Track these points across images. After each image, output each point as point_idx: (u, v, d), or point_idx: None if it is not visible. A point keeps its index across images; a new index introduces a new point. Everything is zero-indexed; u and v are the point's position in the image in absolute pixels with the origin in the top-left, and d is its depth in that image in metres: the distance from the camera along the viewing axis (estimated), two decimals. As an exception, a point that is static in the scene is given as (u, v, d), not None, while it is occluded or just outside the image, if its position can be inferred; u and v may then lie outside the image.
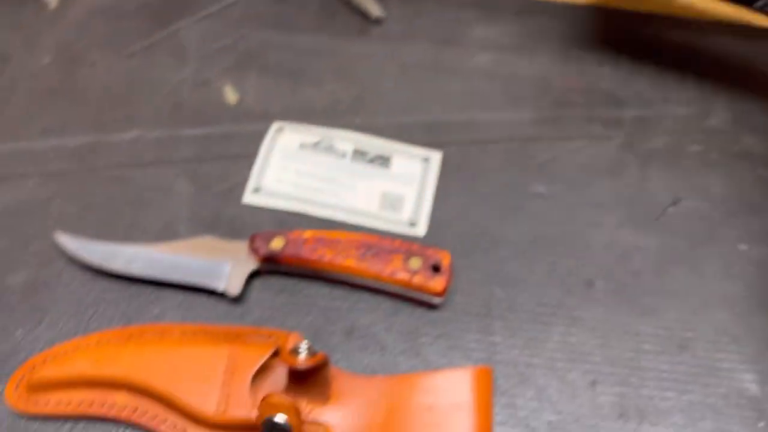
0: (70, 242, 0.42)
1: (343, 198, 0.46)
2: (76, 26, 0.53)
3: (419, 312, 0.42)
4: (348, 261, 0.41)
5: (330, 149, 0.48)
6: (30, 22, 0.53)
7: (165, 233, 0.44)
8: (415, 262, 0.41)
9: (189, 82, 0.51)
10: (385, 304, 0.42)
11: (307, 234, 0.42)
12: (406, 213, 0.46)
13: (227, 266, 0.41)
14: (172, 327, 0.40)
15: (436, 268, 0.41)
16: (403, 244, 0.42)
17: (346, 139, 0.49)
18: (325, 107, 0.51)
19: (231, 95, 0.51)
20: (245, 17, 0.55)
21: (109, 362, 0.37)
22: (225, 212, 0.45)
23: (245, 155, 0.48)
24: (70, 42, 0.52)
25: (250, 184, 0.46)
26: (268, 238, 0.42)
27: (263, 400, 0.33)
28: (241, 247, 0.42)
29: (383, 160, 0.48)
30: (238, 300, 0.41)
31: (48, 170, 0.46)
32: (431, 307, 0.42)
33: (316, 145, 0.48)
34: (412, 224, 0.45)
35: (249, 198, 0.46)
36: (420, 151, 0.49)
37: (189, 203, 0.45)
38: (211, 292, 0.41)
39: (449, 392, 0.37)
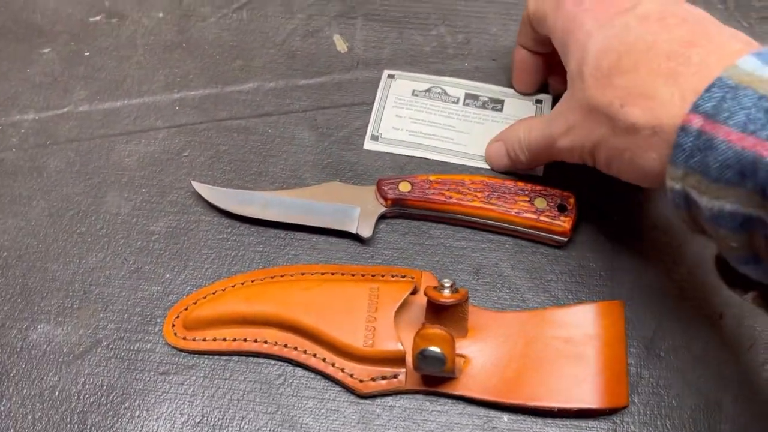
0: (205, 190, 0.44)
1: (459, 142, 0.47)
2: (183, -19, 0.55)
3: (543, 250, 0.43)
4: (474, 202, 0.42)
5: (442, 95, 0.49)
6: (140, -21, 0.55)
7: (292, 180, 0.46)
8: (541, 202, 0.42)
9: (299, 33, 0.52)
10: (510, 243, 0.44)
11: (433, 177, 0.43)
12: None
13: (357, 210, 0.43)
14: (311, 267, 0.42)
15: (561, 208, 0.42)
16: (527, 185, 0.43)
17: (457, 85, 0.49)
18: (434, 52, 0.51)
19: (340, 44, 0.51)
20: (347, -35, 0.55)
21: (258, 300, 0.40)
22: (347, 158, 0.47)
23: (360, 103, 0.49)
24: (180, -3, 0.54)
25: (369, 131, 0.47)
26: (396, 182, 0.43)
27: (418, 332, 0.35)
28: (369, 191, 0.44)
29: (496, 103, 0.48)
30: (367, 242, 0.43)
31: (175, 122, 0.48)
32: (555, 245, 0.43)
33: (428, 92, 0.49)
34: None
35: (368, 145, 0.47)
36: (532, 95, 0.49)
37: (312, 150, 0.47)
38: (342, 235, 0.43)
39: (584, 325, 0.38)
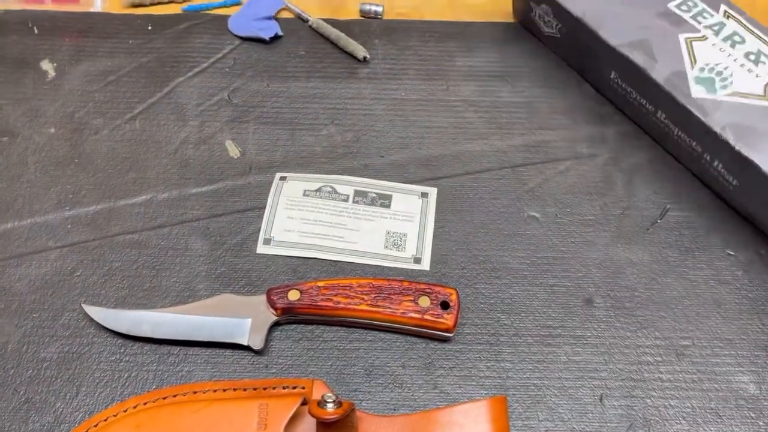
0: (97, 312, 0.44)
1: (349, 240, 0.49)
2: (75, 94, 0.55)
3: (432, 346, 0.45)
4: (361, 305, 0.44)
5: (332, 194, 0.51)
6: (31, 94, 0.55)
7: (185, 293, 0.46)
8: (424, 301, 0.44)
9: (192, 140, 0.53)
10: (400, 341, 0.45)
11: (321, 283, 0.45)
12: (410, 250, 0.48)
13: (248, 322, 0.44)
14: (202, 384, 0.42)
15: (445, 305, 0.44)
16: (411, 284, 0.45)
17: (347, 183, 0.51)
18: (324, 152, 0.53)
19: (233, 149, 0.53)
20: (236, 69, 0.57)
21: (149, 427, 0.40)
22: (240, 266, 0.48)
23: (253, 207, 0.50)
24: (72, 110, 0.55)
25: (261, 236, 0.49)
26: (285, 291, 0.44)
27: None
28: (259, 301, 0.45)
29: (384, 199, 0.50)
30: (261, 352, 0.44)
31: (68, 241, 0.48)
32: (443, 340, 0.45)
33: (318, 191, 0.51)
34: (417, 260, 0.48)
35: (261, 249, 0.48)
36: (417, 188, 0.51)
37: (205, 260, 0.48)
38: (236, 347, 0.44)
39: (469, 425, 0.40)
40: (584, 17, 0.53)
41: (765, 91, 0.49)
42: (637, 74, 0.51)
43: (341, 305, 0.44)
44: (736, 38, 0.51)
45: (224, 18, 0.60)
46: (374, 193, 0.51)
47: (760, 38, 0.51)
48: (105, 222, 0.49)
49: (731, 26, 0.52)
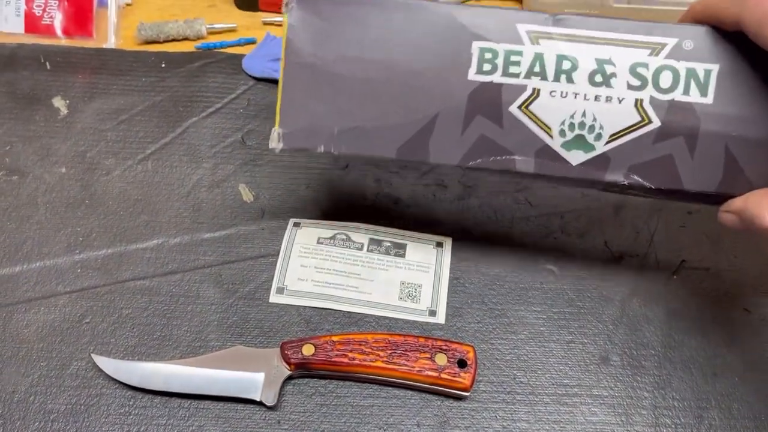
0: (107, 364, 0.43)
1: (364, 291, 0.48)
2: (87, 132, 0.55)
3: (447, 403, 0.44)
4: (377, 362, 0.43)
5: (347, 242, 0.50)
6: (43, 131, 0.55)
7: (196, 343, 0.46)
8: (441, 358, 0.43)
9: (205, 183, 0.53)
10: (415, 398, 0.44)
11: (335, 338, 0.44)
12: (425, 301, 0.48)
13: (261, 377, 0.43)
14: (214, 442, 0.41)
15: (462, 363, 0.43)
16: (427, 341, 0.44)
17: (361, 230, 0.50)
18: (339, 198, 0.52)
19: (246, 193, 0.52)
20: (251, 110, 0.57)
21: (160, 487, 0.39)
22: (252, 315, 0.47)
23: (266, 255, 0.50)
24: (84, 150, 0.54)
25: (274, 284, 0.48)
26: (299, 346, 0.43)
27: None
28: (273, 354, 0.44)
29: (399, 249, 0.50)
30: (273, 407, 0.43)
31: (77, 286, 0.48)
32: (459, 397, 0.44)
33: (332, 239, 0.50)
34: (432, 312, 0.47)
35: (274, 298, 0.48)
36: (433, 237, 0.51)
37: (216, 309, 0.47)
38: (248, 401, 0.43)
39: (486, 491, 0.39)
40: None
41: (640, 113, 0.40)
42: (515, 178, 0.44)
43: (356, 361, 0.43)
44: (565, 65, 0.40)
45: (238, 57, 0.59)
46: (389, 242, 0.50)
47: (588, 41, 0.40)
48: (115, 267, 0.49)
49: (547, 52, 0.40)
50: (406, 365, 0.43)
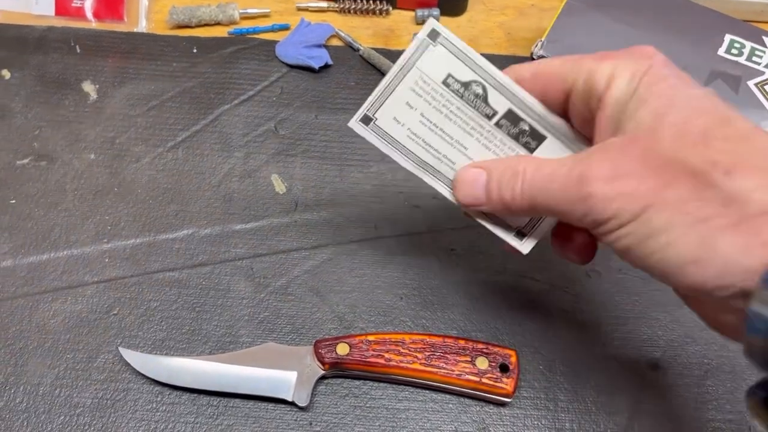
0: (135, 358, 0.42)
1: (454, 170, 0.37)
2: (117, 118, 0.53)
3: (487, 409, 0.42)
4: (414, 364, 0.41)
5: (479, 99, 0.37)
6: (72, 116, 0.53)
7: (226, 338, 0.44)
8: (482, 362, 0.41)
9: (236, 173, 0.51)
10: (453, 402, 0.42)
11: (371, 337, 0.42)
12: (521, 219, 0.38)
13: (293, 376, 0.41)
14: (244, 443, 0.40)
15: (503, 368, 0.41)
16: (468, 343, 0.42)
17: (506, 94, 0.36)
18: (374, 190, 0.51)
19: (279, 184, 0.51)
20: (284, 98, 0.55)
21: (188, 488, 0.37)
22: (284, 311, 0.45)
23: (298, 248, 0.48)
24: (113, 136, 0.52)
25: (362, 109, 0.38)
26: (333, 344, 0.42)
27: None
28: (306, 352, 0.42)
29: (533, 138, 0.37)
30: (305, 407, 0.41)
31: (105, 276, 0.46)
32: (499, 403, 0.42)
33: (465, 87, 0.36)
34: (520, 235, 0.38)
35: (355, 125, 0.38)
36: (577, 145, 0.37)
37: (248, 303, 0.45)
38: (279, 400, 0.41)
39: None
40: None
41: None
42: None
43: (392, 363, 0.41)
44: None
45: (272, 43, 0.57)
46: (529, 125, 0.37)
47: None
48: (144, 257, 0.47)
49: None
50: (445, 368, 0.41)
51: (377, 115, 0.37)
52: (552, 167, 0.33)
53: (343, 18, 0.60)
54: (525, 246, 0.38)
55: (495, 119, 0.36)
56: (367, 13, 0.60)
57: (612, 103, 0.31)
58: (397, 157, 0.38)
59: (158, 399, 0.42)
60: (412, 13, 0.60)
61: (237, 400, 0.42)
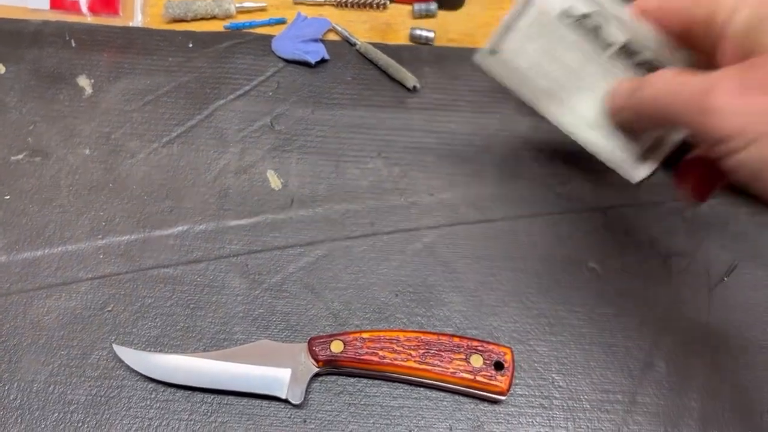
0: (128, 355, 0.42)
1: (574, 103, 0.40)
2: (112, 113, 0.53)
3: (482, 407, 0.42)
4: (409, 362, 0.41)
5: (594, 32, 0.38)
6: (67, 111, 0.53)
7: (220, 335, 0.44)
8: (477, 360, 0.41)
9: (232, 168, 0.51)
10: (447, 400, 0.42)
11: (365, 335, 0.42)
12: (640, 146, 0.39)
13: (287, 373, 0.41)
14: (238, 440, 0.40)
15: (498, 366, 0.41)
16: (462, 341, 0.42)
17: (623, 27, 0.38)
18: (370, 186, 0.50)
19: (275, 180, 0.50)
20: (280, 93, 0.54)
21: (181, 486, 0.37)
22: (279, 308, 0.45)
23: (294, 245, 0.48)
24: (108, 131, 0.52)
25: (489, 42, 0.40)
26: (327, 342, 0.41)
27: None
28: (300, 349, 0.42)
29: (653, 70, 0.37)
30: (299, 405, 0.41)
31: (99, 272, 0.46)
32: (493, 401, 0.42)
33: (581, 20, 0.38)
34: (641, 157, 0.39)
35: (480, 58, 0.41)
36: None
37: (242, 300, 0.45)
38: (272, 398, 0.41)
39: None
40: None
41: None
42: None
43: (387, 360, 0.41)
44: None
45: (268, 38, 0.57)
46: (648, 57, 0.37)
47: None
48: (138, 253, 0.47)
49: None
50: (439, 366, 0.41)
51: (502, 48, 0.40)
52: (686, 78, 0.32)
53: (340, 12, 0.59)
54: (642, 169, 0.39)
55: (613, 50, 0.38)
56: (364, 7, 0.59)
57: (740, 29, 0.31)
58: (519, 88, 0.40)
59: (152, 396, 0.42)
60: (409, 7, 0.59)
61: (231, 398, 0.42)
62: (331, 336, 0.42)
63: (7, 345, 0.43)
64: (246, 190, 0.50)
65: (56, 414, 0.41)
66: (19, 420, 0.41)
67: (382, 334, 0.42)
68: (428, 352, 0.41)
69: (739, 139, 0.28)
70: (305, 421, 0.41)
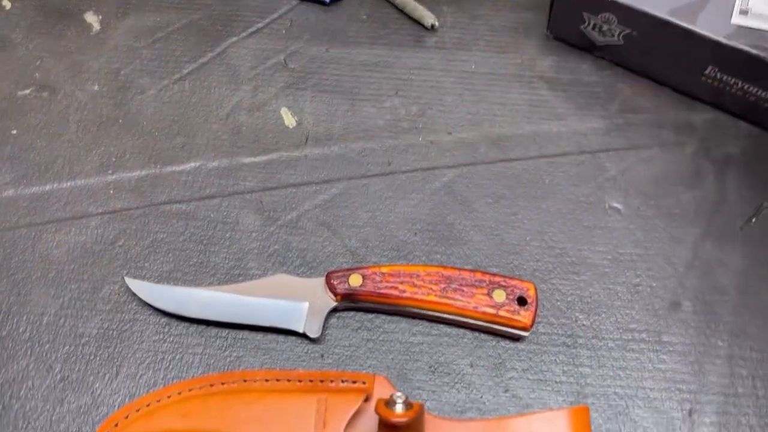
0: (141, 288, 0.41)
1: None
2: (121, 50, 0.51)
3: (503, 344, 0.41)
4: (429, 296, 0.40)
5: None
6: (74, 47, 0.51)
7: (235, 270, 0.43)
8: (499, 295, 0.40)
9: (245, 105, 0.49)
10: (468, 337, 0.41)
11: (385, 269, 0.41)
12: None
13: (305, 306, 0.40)
14: (253, 373, 0.39)
15: (521, 301, 0.40)
16: (485, 275, 0.40)
17: None
18: (387, 125, 0.49)
19: (288, 118, 0.49)
20: (294, 31, 0.53)
21: (196, 417, 0.36)
22: (295, 244, 0.44)
23: (309, 182, 0.46)
24: (117, 67, 0.51)
25: (736, 6, 0.44)
26: (346, 276, 0.40)
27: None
28: (318, 283, 0.41)
29: None
30: (316, 340, 0.40)
31: (110, 207, 0.45)
32: (515, 339, 0.41)
33: None
34: None
35: (737, 20, 0.44)
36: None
37: (257, 236, 0.44)
38: (289, 332, 0.40)
39: (548, 435, 0.36)
40: (672, 17, 0.46)
41: None
42: (747, 63, 0.45)
43: (407, 294, 0.40)
44: None
45: (281, -25, 0.55)
46: None
47: None
48: (150, 189, 0.46)
49: None
50: (461, 300, 0.40)
51: (750, 5, 0.44)
52: None
53: (355, -50, 0.57)
54: None
55: None
56: (380, -54, 0.57)
57: None
58: None
59: (165, 330, 0.41)
60: (426, -54, 0.57)
61: (246, 332, 0.41)
62: (349, 270, 0.41)
63: (16, 278, 0.42)
64: (259, 127, 0.48)
65: (67, 347, 0.40)
66: (29, 352, 0.40)
67: (401, 268, 0.41)
68: (449, 287, 0.40)
69: None
70: (323, 356, 0.40)
